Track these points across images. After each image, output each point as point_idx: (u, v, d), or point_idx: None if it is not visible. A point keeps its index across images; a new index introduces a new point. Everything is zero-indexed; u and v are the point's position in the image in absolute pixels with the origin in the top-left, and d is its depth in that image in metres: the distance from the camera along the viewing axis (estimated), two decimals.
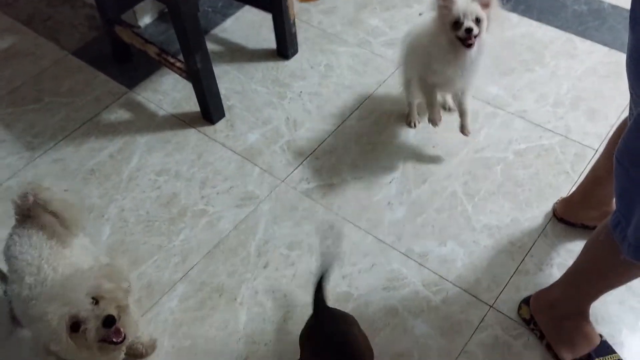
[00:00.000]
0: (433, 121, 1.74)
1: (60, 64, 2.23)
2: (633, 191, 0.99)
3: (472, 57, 1.52)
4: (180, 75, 1.91)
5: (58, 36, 2.36)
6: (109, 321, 1.02)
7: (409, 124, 1.91)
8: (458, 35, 1.46)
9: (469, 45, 1.47)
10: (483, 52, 1.52)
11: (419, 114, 1.92)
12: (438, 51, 1.54)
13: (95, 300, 1.05)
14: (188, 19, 1.65)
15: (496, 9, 1.48)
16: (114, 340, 1.05)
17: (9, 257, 1.22)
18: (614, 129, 1.38)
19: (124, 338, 1.06)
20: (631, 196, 1.00)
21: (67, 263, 1.19)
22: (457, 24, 1.45)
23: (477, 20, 1.44)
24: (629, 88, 1.01)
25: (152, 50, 1.93)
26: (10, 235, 1.25)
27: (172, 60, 1.90)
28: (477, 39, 1.47)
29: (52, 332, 0.99)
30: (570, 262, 1.50)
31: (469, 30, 1.44)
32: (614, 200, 1.07)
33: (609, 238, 1.09)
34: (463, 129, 1.76)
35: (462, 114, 1.75)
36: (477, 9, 1.45)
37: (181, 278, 1.59)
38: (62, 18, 2.44)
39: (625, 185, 1.02)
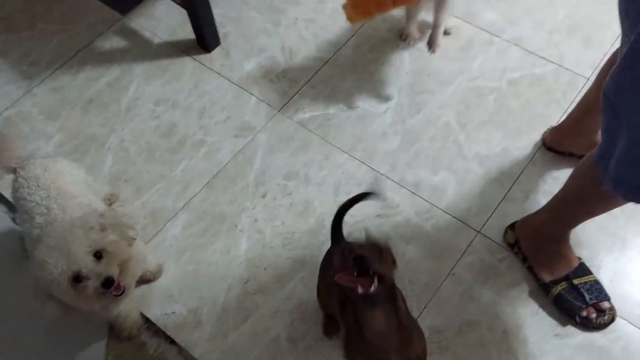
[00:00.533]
0: (406, 36, 1.86)
1: None
2: (617, 126, 1.04)
3: None
4: (175, 1, 1.89)
5: None
6: (108, 282, 1.03)
7: (402, 37, 1.93)
8: None
9: None
10: None
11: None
12: None
13: (99, 254, 1.06)
14: None
15: None
16: (114, 293, 1.07)
17: (17, 200, 1.27)
18: (607, 57, 1.40)
19: (124, 291, 1.08)
20: (615, 131, 1.05)
21: (75, 203, 1.24)
22: None
23: None
24: (620, 14, 1.00)
25: None
26: (16, 177, 1.30)
27: None
28: None
29: (53, 281, 1.02)
30: (556, 190, 1.57)
31: None
32: (600, 132, 1.12)
33: (593, 169, 1.14)
34: (430, 43, 1.77)
35: (433, 27, 1.76)
36: None
37: (183, 206, 1.66)
38: None
39: (611, 120, 1.06)
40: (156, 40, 2.02)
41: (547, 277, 1.46)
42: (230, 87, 1.89)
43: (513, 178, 1.65)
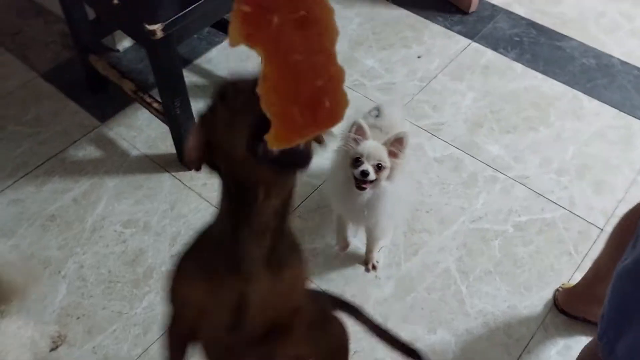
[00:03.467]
0: (338, 247, 1.63)
1: (27, 87, 2.04)
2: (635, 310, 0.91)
3: (365, 201, 1.35)
4: (157, 117, 1.75)
5: (27, 54, 2.17)
6: None
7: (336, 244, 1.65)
8: (354, 173, 1.30)
9: (361, 188, 1.31)
10: (383, 199, 1.35)
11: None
12: (334, 185, 1.42)
13: None
14: (167, 63, 1.49)
15: (402, 162, 1.33)
16: None
17: None
18: (620, 206, 1.25)
19: None
20: (632, 314, 0.92)
21: None
22: (357, 161, 1.29)
23: (379, 167, 1.29)
24: None
25: (127, 87, 1.76)
26: None
27: (148, 100, 1.73)
28: (374, 184, 1.31)
29: None
30: None
31: (364, 174, 1.28)
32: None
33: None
34: (366, 263, 1.60)
35: (366, 249, 1.59)
36: (382, 155, 1.30)
37: (141, 354, 1.43)
38: (34, 33, 2.26)
39: (629, 303, 0.93)
40: (134, 152, 1.86)
41: None
42: (210, 211, 1.72)
43: (522, 344, 1.45)
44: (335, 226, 1.61)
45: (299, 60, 0.47)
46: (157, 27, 1.34)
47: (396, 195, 1.36)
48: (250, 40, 0.46)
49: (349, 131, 1.34)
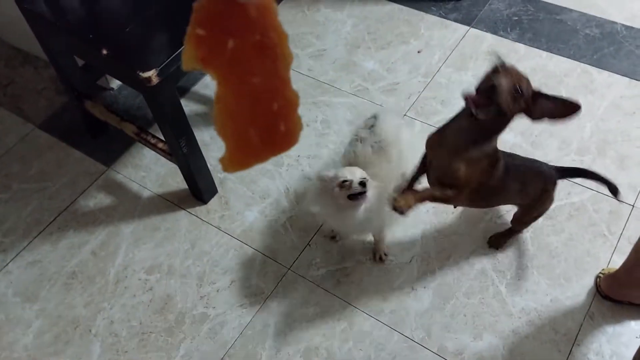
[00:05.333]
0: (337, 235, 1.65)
1: (27, 141, 2.00)
2: None
3: (362, 213, 1.36)
4: (165, 157, 1.70)
5: (22, 105, 2.12)
6: None
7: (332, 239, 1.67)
8: (349, 193, 1.32)
9: (361, 197, 1.33)
10: (375, 204, 1.37)
11: None
12: (327, 211, 1.43)
13: None
14: (167, 106, 1.44)
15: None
16: None
17: None
18: None
19: None
20: None
21: None
22: (344, 182, 1.31)
23: (362, 183, 1.31)
24: None
25: (129, 130, 1.72)
26: None
27: (153, 140, 1.68)
28: (364, 196, 1.33)
29: None
30: (623, 350, 1.34)
31: (362, 184, 1.31)
32: None
33: None
34: (374, 255, 1.60)
35: (374, 243, 1.60)
36: (362, 173, 1.35)
37: None
38: (25, 82, 2.21)
39: None
40: (145, 193, 1.82)
41: None
42: (232, 243, 1.68)
43: (571, 338, 1.41)
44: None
45: (255, 84, 0.46)
46: (151, 74, 1.29)
47: (382, 194, 1.38)
48: (205, 63, 0.45)
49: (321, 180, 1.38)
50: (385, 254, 1.60)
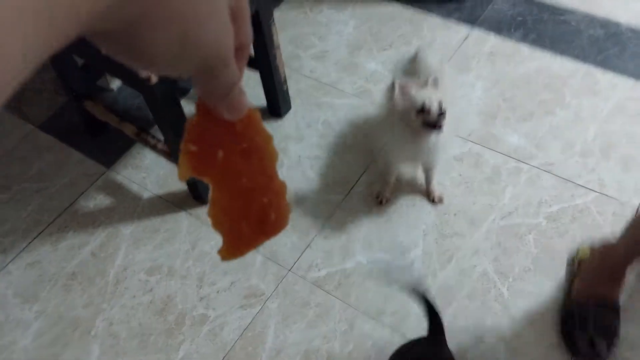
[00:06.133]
0: (382, 197, 1.70)
1: (27, 142, 1.99)
2: None
3: (432, 142, 1.43)
4: (164, 157, 1.69)
5: (21, 106, 2.12)
6: None
7: (378, 198, 1.71)
8: (426, 119, 1.37)
9: (438, 128, 1.38)
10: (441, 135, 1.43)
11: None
12: (396, 141, 1.49)
13: None
14: (167, 106, 1.43)
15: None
16: None
17: None
18: None
19: None
20: None
21: None
22: (423, 108, 1.37)
23: (441, 114, 1.36)
24: None
25: (129, 130, 1.71)
26: None
27: (152, 141, 1.68)
28: (440, 128, 1.39)
29: None
30: (628, 353, 1.33)
31: (441, 114, 1.35)
32: None
33: None
34: (429, 196, 1.69)
35: (426, 182, 1.69)
36: (437, 94, 1.38)
37: None
38: (24, 83, 2.19)
39: None
40: (145, 194, 1.81)
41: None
42: None
43: None
44: (383, 179, 1.68)
45: (245, 184, 0.52)
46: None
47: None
48: (199, 173, 0.50)
49: (391, 92, 1.43)
50: (441, 195, 1.68)
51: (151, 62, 0.32)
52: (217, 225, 0.55)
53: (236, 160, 0.52)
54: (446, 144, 1.50)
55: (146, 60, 0.32)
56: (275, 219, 0.56)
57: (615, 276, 1.40)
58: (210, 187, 0.53)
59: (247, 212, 0.54)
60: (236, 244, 0.56)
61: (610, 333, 1.37)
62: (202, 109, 0.50)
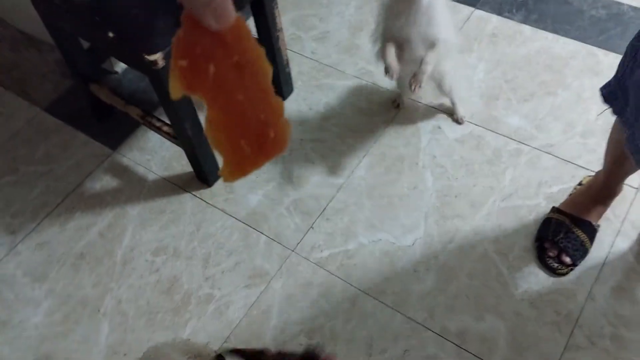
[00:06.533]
0: (398, 101, 1.87)
1: (33, 124, 2.01)
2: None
3: (420, 6, 1.46)
4: (170, 140, 1.71)
5: (27, 89, 2.13)
6: None
7: (394, 102, 1.90)
8: None
9: None
10: (435, 7, 1.48)
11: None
12: (388, 9, 1.54)
13: None
14: None
15: None
16: None
17: None
18: None
19: None
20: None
21: None
22: None
23: None
24: None
25: (134, 113, 1.73)
26: None
27: (158, 124, 1.70)
28: None
29: None
30: (623, 331, 1.36)
31: None
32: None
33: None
34: (452, 116, 1.83)
35: (450, 99, 1.80)
36: None
37: None
38: (30, 66, 2.22)
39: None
40: (150, 176, 1.83)
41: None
42: (236, 226, 1.70)
43: (572, 320, 1.43)
44: (382, 55, 1.60)
45: (240, 100, 0.50)
46: (157, 57, 1.29)
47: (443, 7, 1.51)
48: (191, 90, 0.50)
49: None
50: (463, 118, 1.81)
51: None
52: (216, 144, 0.53)
53: (229, 74, 0.49)
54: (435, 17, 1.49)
55: None
56: (275, 137, 0.54)
57: (596, 199, 1.53)
58: (205, 105, 0.52)
59: (245, 129, 0.52)
60: (237, 163, 0.54)
61: (577, 251, 1.50)
62: (189, 21, 0.48)
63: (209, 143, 0.51)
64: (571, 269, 1.50)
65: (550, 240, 1.52)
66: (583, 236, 1.51)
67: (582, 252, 1.51)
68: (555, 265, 1.50)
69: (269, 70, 0.52)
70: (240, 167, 0.54)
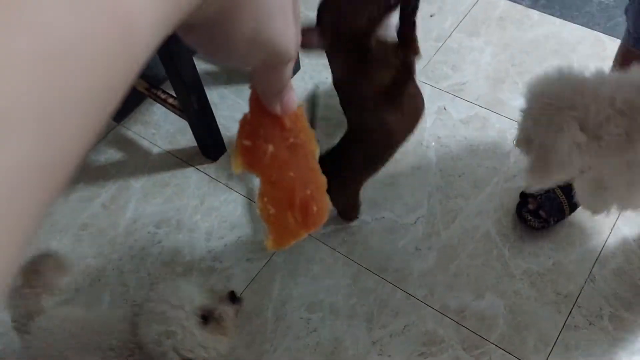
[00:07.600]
0: None
1: None
2: None
3: None
4: (175, 112, 1.71)
5: None
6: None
7: None
8: None
9: None
10: None
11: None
12: None
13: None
14: (181, 61, 1.45)
15: None
16: None
17: None
18: None
19: None
20: None
21: None
22: None
23: None
24: None
25: (140, 86, 1.73)
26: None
27: (163, 96, 1.70)
28: None
29: None
30: (622, 312, 1.37)
31: None
32: None
33: None
34: None
35: None
36: None
37: None
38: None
39: None
40: (155, 149, 1.84)
41: None
42: (239, 200, 1.70)
43: (571, 300, 1.44)
44: None
45: (291, 177, 0.55)
46: None
47: None
48: (250, 167, 0.53)
49: None
50: None
51: (227, 55, 0.34)
52: (265, 215, 0.60)
53: (283, 154, 0.54)
54: None
55: (223, 53, 0.34)
56: (317, 212, 0.60)
57: None
58: (260, 181, 0.58)
59: (292, 202, 0.59)
60: (282, 234, 0.60)
61: (553, 209, 1.52)
62: (256, 105, 0.55)
63: (258, 211, 0.58)
64: (543, 225, 1.52)
65: (533, 196, 1.54)
66: (562, 197, 1.52)
67: (557, 211, 1.53)
68: (530, 217, 1.52)
69: (317, 151, 0.57)
70: (284, 237, 0.60)
